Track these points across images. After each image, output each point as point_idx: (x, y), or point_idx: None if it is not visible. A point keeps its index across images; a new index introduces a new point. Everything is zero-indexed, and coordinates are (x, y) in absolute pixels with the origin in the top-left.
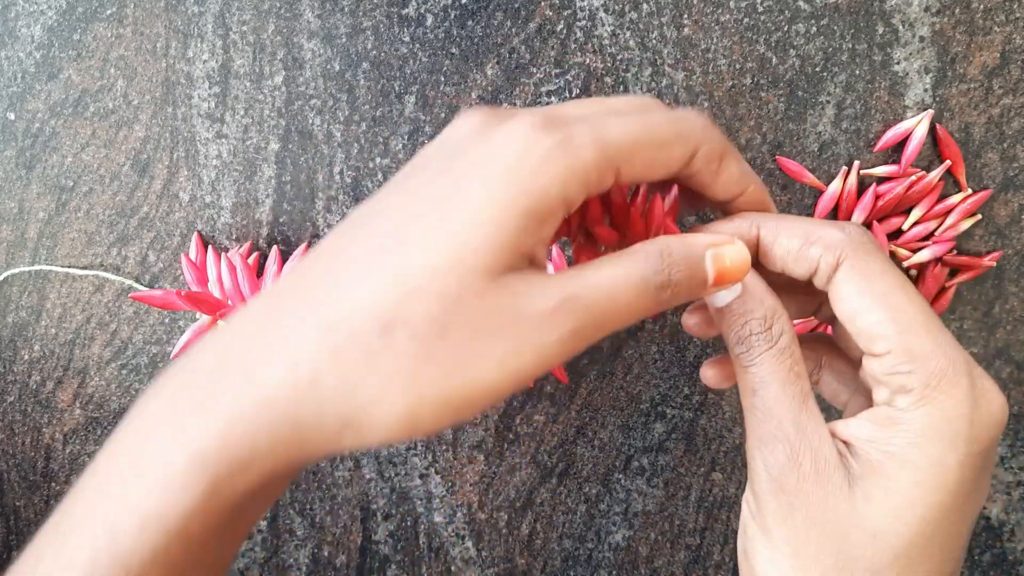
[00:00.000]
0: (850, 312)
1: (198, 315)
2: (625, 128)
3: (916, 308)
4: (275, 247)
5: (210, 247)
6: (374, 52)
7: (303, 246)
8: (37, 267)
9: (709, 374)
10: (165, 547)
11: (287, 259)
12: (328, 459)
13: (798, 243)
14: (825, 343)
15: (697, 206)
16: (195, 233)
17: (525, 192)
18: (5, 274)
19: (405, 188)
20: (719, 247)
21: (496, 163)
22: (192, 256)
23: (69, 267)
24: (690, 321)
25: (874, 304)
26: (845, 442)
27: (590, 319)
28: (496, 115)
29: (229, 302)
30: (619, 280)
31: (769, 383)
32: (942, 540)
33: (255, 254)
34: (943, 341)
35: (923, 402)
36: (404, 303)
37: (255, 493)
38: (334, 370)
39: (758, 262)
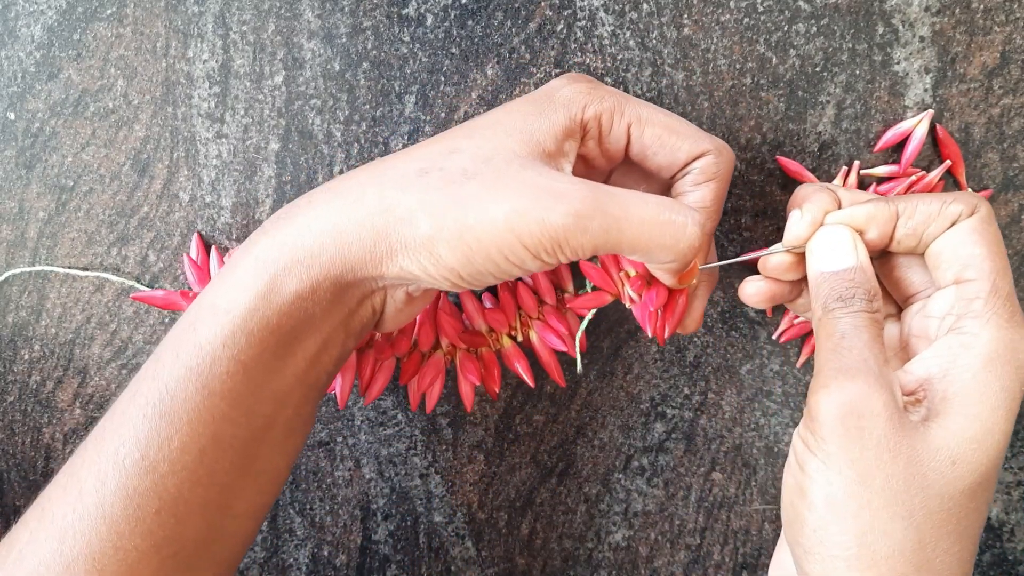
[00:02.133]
0: (956, 245)
1: None
2: (648, 106)
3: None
4: None
5: (213, 247)
6: (374, 52)
7: None
8: (37, 268)
9: (757, 288)
10: (232, 337)
11: None
12: (368, 285)
13: (939, 204)
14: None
15: None
16: (195, 234)
17: (552, 106)
18: (6, 274)
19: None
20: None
21: (539, 92)
22: (194, 257)
23: (69, 267)
24: (753, 288)
25: (981, 248)
26: (919, 381)
27: (599, 214)
28: (570, 76)
29: None
30: (643, 200)
31: (862, 331)
32: (999, 471)
33: None
34: (1009, 279)
35: (989, 320)
36: (445, 157)
37: (306, 305)
38: (375, 193)
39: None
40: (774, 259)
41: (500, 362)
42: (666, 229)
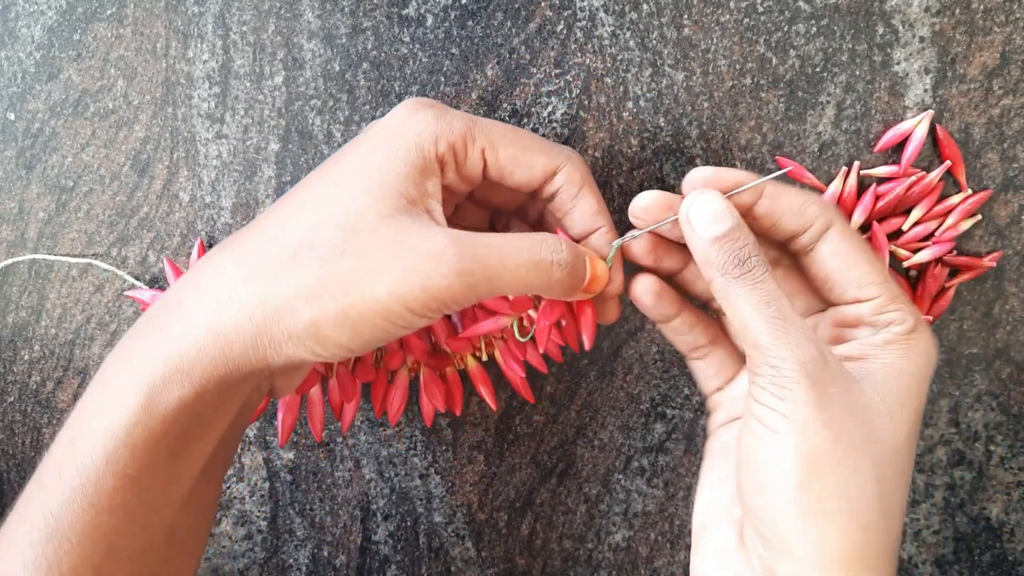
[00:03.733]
0: (845, 263)
1: None
2: (496, 124)
3: (883, 265)
4: None
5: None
6: (374, 52)
7: None
8: (39, 256)
9: (648, 288)
10: (115, 453)
11: None
12: (256, 376)
13: (800, 201)
14: (717, 323)
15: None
16: (199, 240)
17: (402, 146)
18: (6, 262)
19: (322, 165)
20: (595, 259)
21: (384, 129)
22: (195, 260)
23: (62, 256)
24: (646, 286)
25: (865, 258)
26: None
27: (479, 268)
28: (413, 103)
29: None
30: (515, 247)
31: (780, 296)
32: (914, 447)
33: None
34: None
35: (913, 333)
36: (310, 233)
37: (194, 409)
38: (247, 286)
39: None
40: (638, 242)
41: (466, 380)
42: (542, 269)
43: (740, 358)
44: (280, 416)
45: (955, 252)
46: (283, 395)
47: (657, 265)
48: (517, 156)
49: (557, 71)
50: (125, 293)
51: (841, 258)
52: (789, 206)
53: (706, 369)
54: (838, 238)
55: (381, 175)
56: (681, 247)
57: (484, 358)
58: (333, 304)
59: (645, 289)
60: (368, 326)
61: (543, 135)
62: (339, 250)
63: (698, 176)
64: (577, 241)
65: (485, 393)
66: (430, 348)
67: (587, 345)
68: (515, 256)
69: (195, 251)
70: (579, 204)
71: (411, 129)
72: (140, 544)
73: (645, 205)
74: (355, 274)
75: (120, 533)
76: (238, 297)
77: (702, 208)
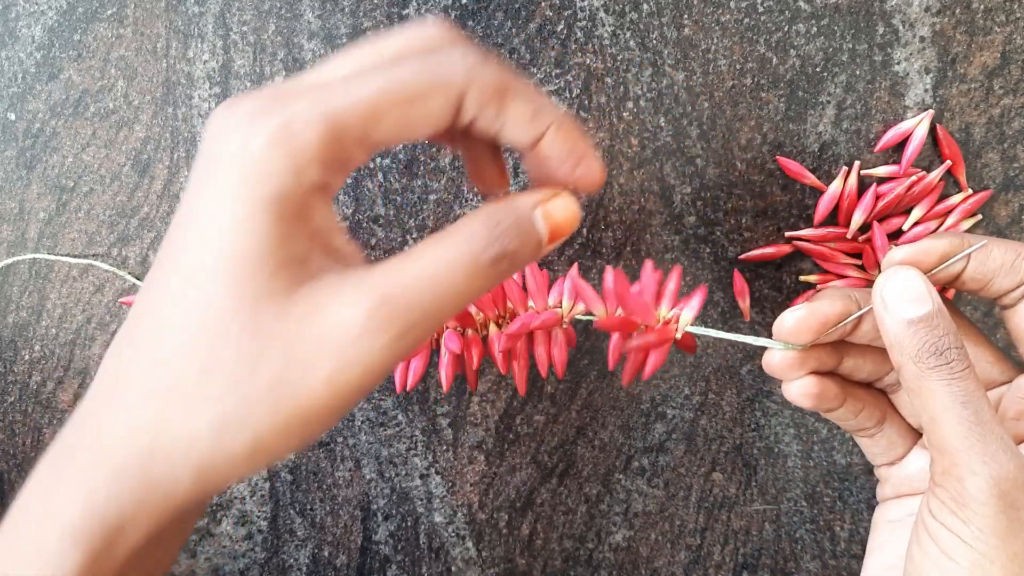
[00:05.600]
0: None
1: None
2: (360, 92)
3: None
4: None
5: None
6: None
7: None
8: (40, 256)
9: (807, 392)
10: None
11: None
12: (200, 512)
13: (1012, 257)
14: (885, 399)
15: (494, 171)
16: None
17: (259, 199)
18: (6, 261)
19: (168, 235)
20: (547, 203)
21: (219, 175)
22: None
23: (63, 256)
24: (802, 391)
25: None
26: None
27: (416, 318)
28: (231, 105)
29: None
30: (443, 265)
31: (981, 398)
32: None
33: None
34: None
35: None
36: (212, 353)
37: (142, 550)
38: (168, 429)
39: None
40: (777, 355)
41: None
42: (482, 270)
43: (912, 435)
44: None
45: None
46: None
47: (808, 371)
48: (404, 115)
49: (557, 71)
50: (120, 301)
51: None
52: (1001, 265)
53: (874, 447)
54: None
55: (247, 251)
56: (836, 344)
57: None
58: (267, 426)
59: (803, 394)
60: (313, 430)
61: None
62: (251, 364)
63: (897, 256)
64: (528, 147)
65: (500, 361)
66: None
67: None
68: (450, 276)
69: None
70: (507, 116)
71: (258, 174)
72: None
73: (791, 329)
74: (283, 385)
75: None
76: (162, 444)
77: (899, 286)
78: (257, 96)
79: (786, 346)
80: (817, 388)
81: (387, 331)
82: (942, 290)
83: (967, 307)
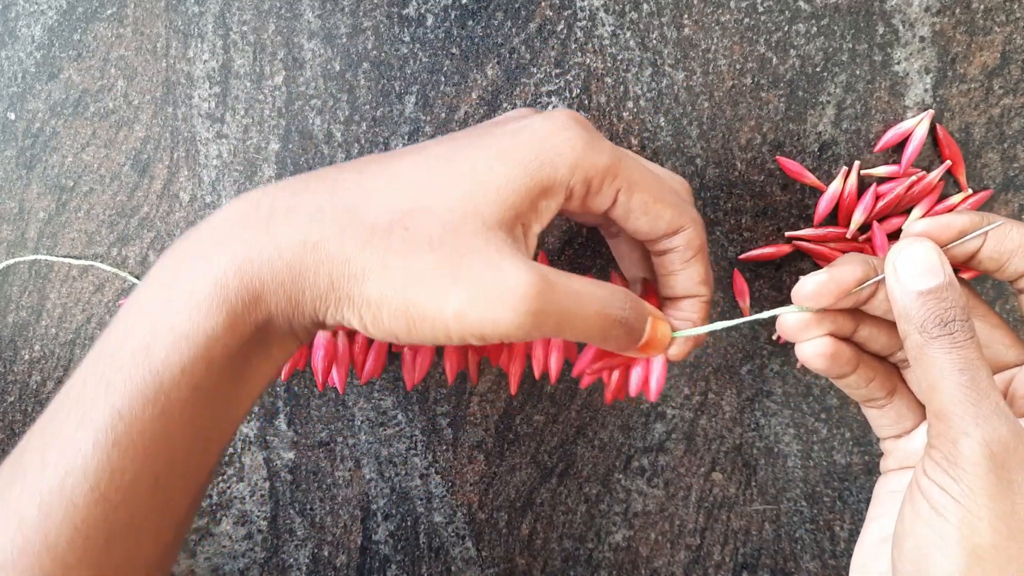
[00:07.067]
0: None
1: None
2: (641, 168)
3: None
4: None
5: None
6: (374, 52)
7: None
8: (41, 256)
9: (821, 351)
10: (192, 364)
11: None
12: (312, 331)
13: None
14: (897, 373)
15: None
16: None
17: (540, 162)
18: (6, 262)
19: (456, 136)
20: (659, 321)
21: (529, 134)
22: None
23: (63, 257)
24: (817, 350)
25: None
26: None
27: (555, 311)
28: (572, 114)
29: None
30: (591, 295)
31: (980, 366)
32: None
33: None
34: None
35: None
36: (413, 215)
37: (262, 338)
38: (337, 242)
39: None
40: (792, 317)
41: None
42: (606, 323)
43: (920, 410)
44: (368, 359)
45: None
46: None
47: (823, 334)
48: (648, 204)
49: (557, 71)
50: (120, 303)
51: None
52: (1019, 246)
53: (882, 419)
54: None
55: (504, 181)
56: (853, 312)
57: None
58: (400, 295)
59: (816, 353)
60: (423, 329)
61: None
62: (432, 244)
63: (916, 228)
64: (671, 300)
65: (513, 374)
66: None
67: (651, 396)
68: (593, 305)
69: None
70: (688, 269)
71: (554, 148)
72: (197, 459)
73: (811, 292)
74: (433, 277)
75: (183, 447)
76: (325, 247)
77: (912, 258)
78: (586, 124)
79: (800, 309)
80: (832, 348)
81: (531, 305)
82: (959, 269)
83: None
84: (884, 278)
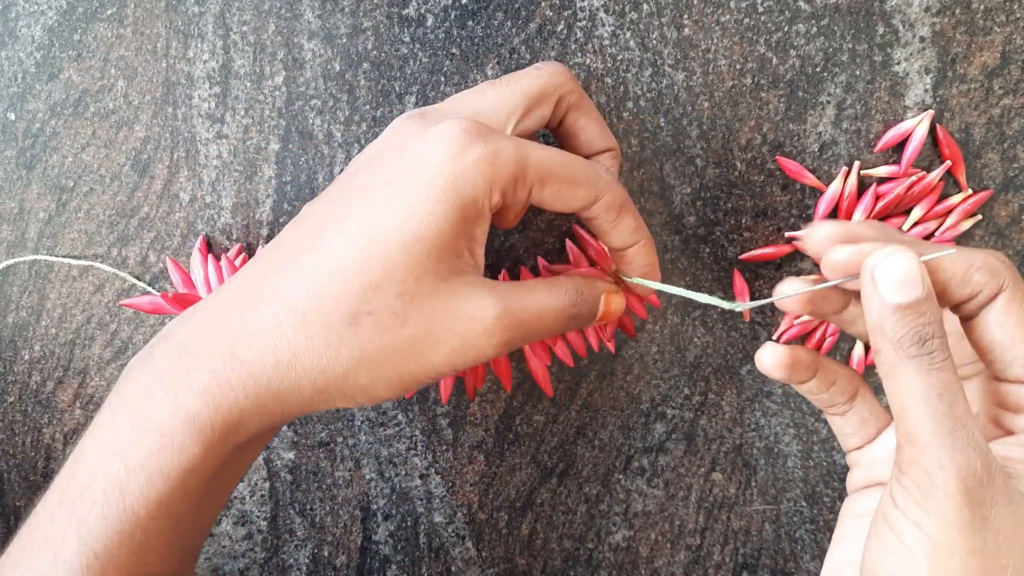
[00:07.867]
0: (1011, 337)
1: None
2: (547, 156)
3: None
4: None
5: (223, 257)
6: (374, 52)
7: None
8: (41, 257)
9: (777, 362)
10: (168, 499)
11: None
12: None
13: (963, 268)
14: (858, 376)
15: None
16: (200, 238)
17: (460, 198)
18: (6, 263)
19: (355, 187)
20: (611, 295)
21: (430, 168)
22: (196, 259)
23: (63, 257)
24: (774, 360)
25: None
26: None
27: (521, 332)
28: (429, 117)
29: None
30: (547, 305)
31: (956, 390)
32: None
33: (243, 256)
34: None
35: None
36: (367, 296)
37: (244, 447)
38: (309, 352)
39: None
40: (767, 360)
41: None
42: (565, 318)
43: (884, 415)
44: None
45: None
46: None
47: (813, 311)
48: (560, 191)
49: None
50: (120, 303)
51: (1006, 330)
52: (952, 276)
53: (845, 426)
54: (1004, 308)
55: (434, 231)
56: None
57: None
58: (392, 371)
59: (773, 364)
60: (417, 385)
61: (543, 134)
62: (400, 318)
63: (825, 232)
64: (618, 251)
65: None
66: None
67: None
68: (550, 313)
69: (196, 249)
70: (618, 226)
71: (463, 177)
72: (175, 569)
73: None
74: (413, 346)
75: (160, 564)
76: (300, 363)
77: (892, 266)
78: (458, 118)
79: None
80: (789, 358)
81: (504, 335)
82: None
83: None
84: (859, 283)
